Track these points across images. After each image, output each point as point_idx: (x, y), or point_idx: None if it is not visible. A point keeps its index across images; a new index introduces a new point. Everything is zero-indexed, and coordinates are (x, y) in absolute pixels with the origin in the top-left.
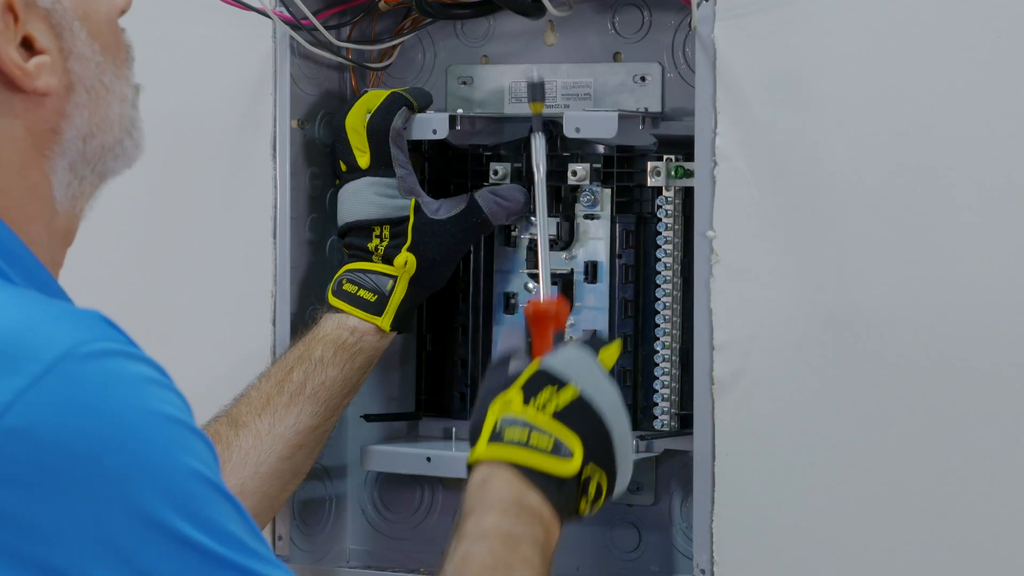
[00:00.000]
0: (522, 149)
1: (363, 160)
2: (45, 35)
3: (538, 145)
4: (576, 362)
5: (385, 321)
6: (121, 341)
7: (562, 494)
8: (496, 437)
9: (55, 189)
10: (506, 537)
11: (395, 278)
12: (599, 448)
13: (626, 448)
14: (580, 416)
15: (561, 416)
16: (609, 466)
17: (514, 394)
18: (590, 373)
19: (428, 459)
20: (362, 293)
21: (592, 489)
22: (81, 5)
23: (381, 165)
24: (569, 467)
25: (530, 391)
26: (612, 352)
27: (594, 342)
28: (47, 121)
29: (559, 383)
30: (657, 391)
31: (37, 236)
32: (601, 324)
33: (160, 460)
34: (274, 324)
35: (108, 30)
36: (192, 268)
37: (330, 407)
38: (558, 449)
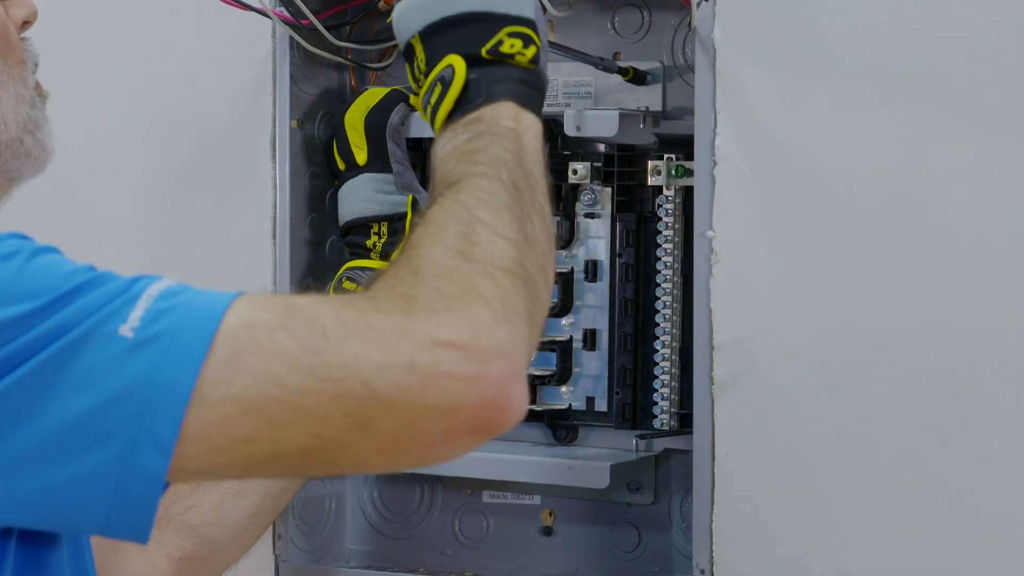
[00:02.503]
0: None
1: (360, 157)
2: None
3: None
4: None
5: None
6: None
7: (493, 88)
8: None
9: None
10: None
11: None
12: (475, 31)
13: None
14: (435, 43)
15: (429, 63)
16: (499, 22)
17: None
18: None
19: None
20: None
21: (513, 44)
22: None
23: (378, 161)
24: (458, 76)
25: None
26: None
27: None
28: None
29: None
30: (657, 390)
31: None
32: (601, 323)
33: None
34: None
35: (2, 36)
36: (192, 268)
37: None
38: (443, 79)
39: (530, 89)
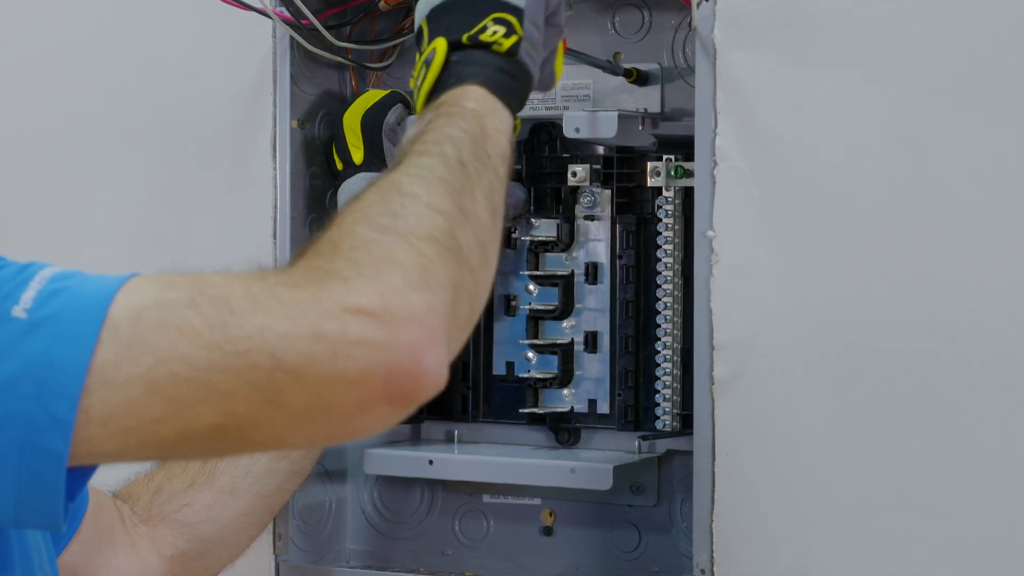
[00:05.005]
0: (522, 150)
1: (357, 156)
2: None
3: None
4: None
5: None
6: None
7: (465, 70)
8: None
9: None
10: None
11: None
12: (459, 17)
13: None
14: (432, 27)
15: (425, 46)
16: (484, 7)
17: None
18: None
19: (430, 462)
20: None
21: (495, 31)
22: None
23: (375, 160)
24: (437, 58)
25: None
26: None
27: None
28: None
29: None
30: (659, 391)
31: None
32: (602, 325)
33: None
34: None
35: None
36: (192, 268)
37: None
38: (427, 62)
39: (506, 77)
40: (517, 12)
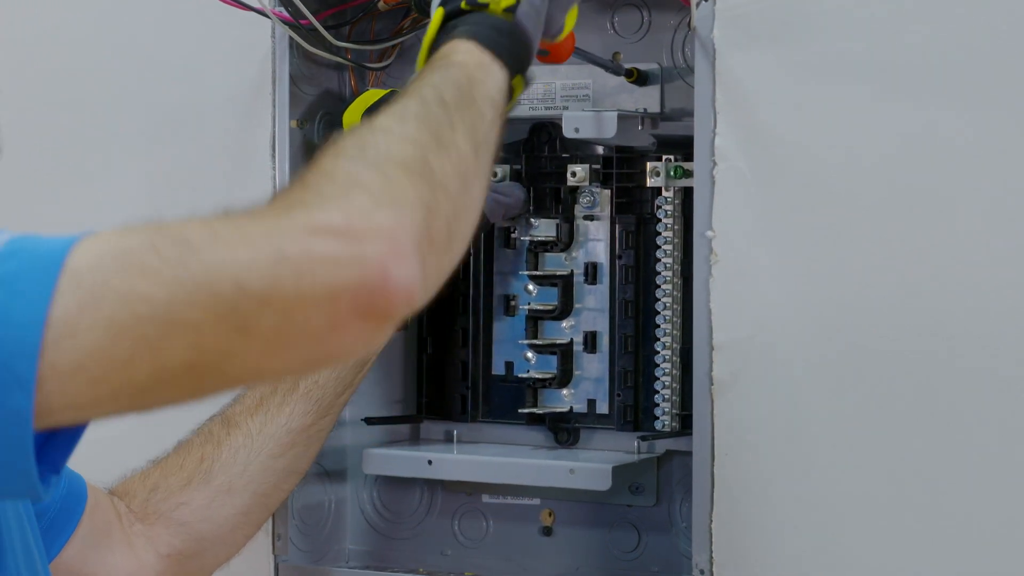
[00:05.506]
0: (522, 150)
1: None
2: None
3: None
4: None
5: None
6: None
7: (458, 28)
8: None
9: None
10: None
11: None
12: None
13: None
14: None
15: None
16: None
17: None
18: None
19: (429, 462)
20: None
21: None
22: None
23: None
24: (435, 17)
25: None
26: None
27: None
28: None
29: None
30: (658, 392)
31: None
32: (602, 325)
33: None
34: None
35: None
36: None
37: (323, 406)
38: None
39: (500, 36)
40: None
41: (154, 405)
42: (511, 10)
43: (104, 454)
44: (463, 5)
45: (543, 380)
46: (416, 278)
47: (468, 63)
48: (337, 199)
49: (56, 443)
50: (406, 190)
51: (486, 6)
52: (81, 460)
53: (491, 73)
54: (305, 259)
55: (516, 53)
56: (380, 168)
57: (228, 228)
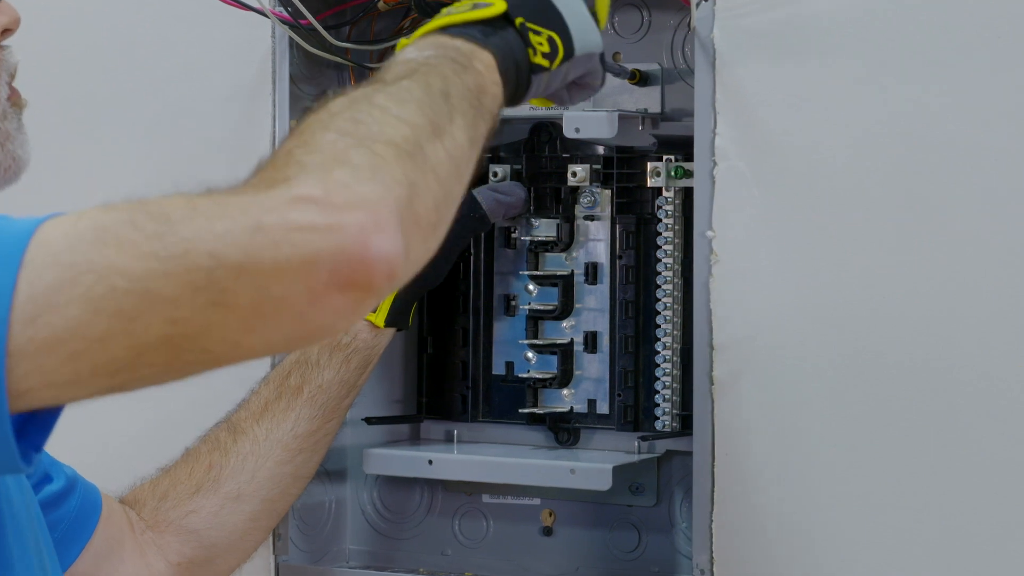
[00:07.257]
0: (522, 150)
1: None
2: None
3: None
4: None
5: (379, 317)
6: None
7: (494, 38)
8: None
9: None
10: (407, 62)
11: None
12: (532, 6)
13: (574, 8)
14: None
15: None
16: (557, 25)
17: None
18: None
19: (430, 462)
20: None
21: (542, 42)
22: None
23: None
24: (487, 12)
25: None
26: None
27: None
28: None
29: None
30: (658, 392)
31: None
32: (602, 325)
33: None
34: None
35: None
36: None
37: (328, 410)
38: (476, 6)
39: (519, 70)
40: (569, 52)
41: (134, 384)
42: (536, 68)
43: (114, 460)
44: (517, 23)
45: (543, 380)
46: (398, 251)
47: (483, 73)
48: (318, 172)
49: (36, 422)
50: (392, 167)
51: (527, 44)
52: (91, 466)
53: (494, 99)
54: (282, 228)
55: (513, 98)
56: (368, 147)
57: (208, 202)
